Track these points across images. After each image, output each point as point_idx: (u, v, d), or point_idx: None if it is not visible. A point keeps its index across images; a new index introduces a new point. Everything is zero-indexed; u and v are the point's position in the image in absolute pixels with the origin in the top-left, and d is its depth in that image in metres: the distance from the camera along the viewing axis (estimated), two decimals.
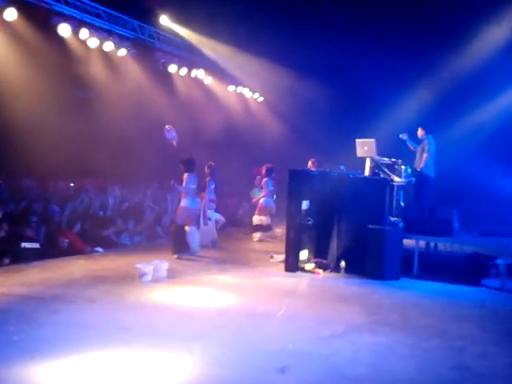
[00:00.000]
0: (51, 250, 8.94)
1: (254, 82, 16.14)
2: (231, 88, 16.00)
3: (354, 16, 13.64)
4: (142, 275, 7.50)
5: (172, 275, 7.85)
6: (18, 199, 10.16)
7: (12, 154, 11.31)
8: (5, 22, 9.55)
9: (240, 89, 16.27)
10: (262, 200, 12.14)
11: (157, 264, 7.71)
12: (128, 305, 6.36)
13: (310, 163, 11.27)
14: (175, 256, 9.13)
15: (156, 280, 7.52)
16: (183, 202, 9.37)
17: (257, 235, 12.01)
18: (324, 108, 15.41)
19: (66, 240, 9.23)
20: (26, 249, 8.47)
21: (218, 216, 11.47)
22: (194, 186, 9.47)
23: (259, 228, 12.11)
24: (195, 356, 4.78)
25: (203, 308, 6.37)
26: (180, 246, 9.26)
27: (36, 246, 8.63)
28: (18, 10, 9.48)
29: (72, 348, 4.81)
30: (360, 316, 6.21)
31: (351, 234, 8.73)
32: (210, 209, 10.73)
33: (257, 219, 12.15)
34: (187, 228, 9.33)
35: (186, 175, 9.26)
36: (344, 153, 10.69)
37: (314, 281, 8.12)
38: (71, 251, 9.18)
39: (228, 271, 8.46)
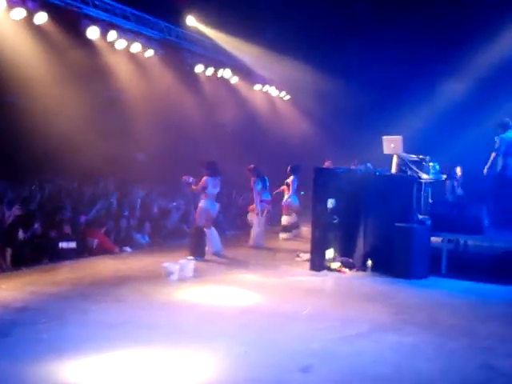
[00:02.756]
0: (83, 250, 9.15)
1: (280, 81, 16.13)
2: (257, 87, 16.02)
3: (380, 12, 13.51)
4: (169, 274, 7.60)
5: (198, 274, 7.93)
6: (52, 200, 10.40)
7: (43, 156, 11.56)
8: (36, 25, 9.78)
9: (266, 88, 16.27)
10: (286, 199, 12.11)
11: (183, 263, 7.80)
12: (154, 304, 6.45)
13: (326, 164, 11.24)
14: (191, 258, 8.58)
15: (182, 279, 7.61)
16: (202, 203, 9.36)
17: (283, 235, 12.01)
18: (352, 105, 15.30)
19: (95, 240, 9.40)
20: (62, 248, 8.70)
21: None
22: (216, 190, 9.43)
23: (285, 227, 12.11)
24: (218, 355, 4.82)
25: (228, 307, 6.41)
26: (198, 248, 9.20)
27: (73, 245, 8.85)
28: (49, 13, 9.70)
29: (99, 346, 4.91)
30: (386, 315, 6.14)
31: (378, 232, 8.63)
32: (263, 209, 10.85)
33: (283, 219, 12.16)
34: (206, 229, 9.34)
35: (205, 178, 9.23)
36: (372, 150, 10.58)
37: (340, 280, 8.08)
38: (100, 251, 9.36)
39: (254, 270, 8.50)
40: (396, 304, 6.69)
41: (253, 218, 11.05)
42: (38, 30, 10.07)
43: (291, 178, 12.07)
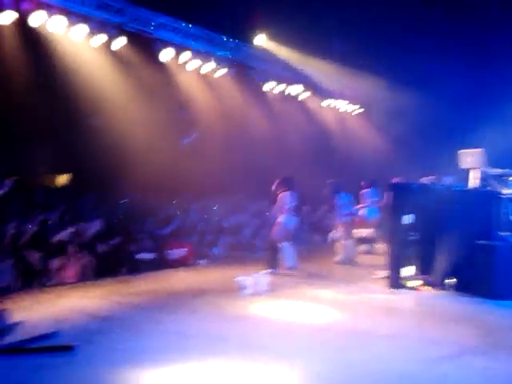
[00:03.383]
0: (160, 262, 9.40)
1: (353, 96, 15.96)
2: (327, 102, 15.91)
3: (459, 23, 13.10)
4: (243, 288, 7.59)
5: (272, 289, 7.85)
6: (131, 214, 10.79)
7: (121, 171, 11.97)
8: (112, 50, 10.26)
9: (337, 103, 16.13)
10: (361, 213, 11.89)
11: (257, 277, 7.77)
12: (228, 317, 6.44)
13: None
14: (269, 271, 9.06)
15: (256, 293, 7.57)
16: (281, 218, 9.39)
17: (361, 247, 11.83)
18: (428, 119, 14.83)
19: (173, 252, 9.62)
20: (140, 260, 8.98)
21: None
22: (294, 204, 9.48)
23: (362, 240, 11.91)
24: (296, 372, 4.70)
25: (303, 323, 6.27)
26: (274, 262, 9.26)
27: (151, 256, 9.13)
28: (126, 39, 10.15)
29: (174, 357, 4.94)
30: (472, 338, 5.76)
31: (458, 249, 8.18)
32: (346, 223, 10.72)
33: (360, 232, 11.96)
34: (281, 244, 9.32)
35: (284, 193, 9.36)
36: (448, 165, 10.17)
37: (420, 299, 7.73)
38: (177, 263, 9.59)
39: (329, 286, 8.31)
40: (482, 326, 6.25)
41: (337, 233, 10.90)
42: (114, 55, 10.55)
43: (367, 190, 11.86)
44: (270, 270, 9.11)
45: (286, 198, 9.35)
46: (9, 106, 8.71)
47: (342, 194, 10.72)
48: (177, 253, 9.73)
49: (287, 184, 9.45)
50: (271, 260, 9.28)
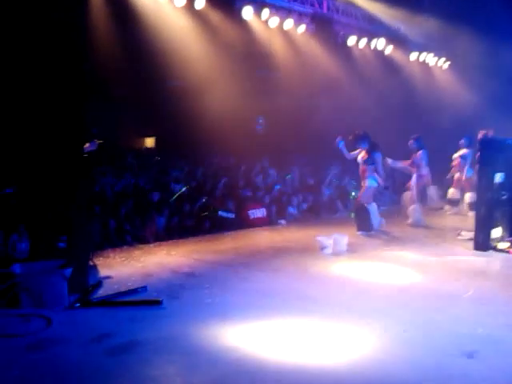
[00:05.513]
0: (241, 221, 9.65)
1: (439, 47, 15.04)
2: (414, 55, 15.12)
3: None
4: (323, 248, 7.65)
5: (352, 249, 7.85)
6: (213, 176, 11.10)
7: (202, 135, 12.23)
8: (195, 10, 10.31)
9: (424, 55, 15.29)
10: (464, 173, 11.02)
11: (337, 238, 7.77)
12: (309, 276, 6.55)
13: (480, 135, 10.17)
14: (359, 233, 9.07)
15: (336, 253, 7.60)
16: (369, 181, 9.11)
17: (449, 209, 11.42)
18: None
19: (254, 212, 9.84)
20: (222, 217, 9.29)
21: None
22: (375, 165, 9.17)
23: (451, 202, 11.45)
24: (375, 331, 4.73)
25: (383, 284, 6.23)
26: (364, 224, 9.14)
27: (231, 215, 9.41)
28: None
29: (258, 314, 5.13)
30: None
31: None
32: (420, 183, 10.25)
33: (450, 192, 11.51)
34: (368, 205, 9.17)
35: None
36: None
37: (509, 261, 7.40)
38: (258, 223, 9.77)
39: (410, 248, 8.15)
40: None
41: (409, 194, 10.36)
42: (196, 15, 10.59)
43: (464, 151, 11.10)
44: (359, 232, 9.06)
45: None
46: (100, 71, 9.06)
47: (423, 152, 10.06)
48: (257, 212, 9.89)
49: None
50: (360, 222, 9.17)
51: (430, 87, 15.59)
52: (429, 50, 15.18)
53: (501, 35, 13.11)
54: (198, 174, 10.96)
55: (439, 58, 15.66)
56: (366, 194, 9.19)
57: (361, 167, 9.23)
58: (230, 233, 9.17)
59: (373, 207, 9.25)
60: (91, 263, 6.49)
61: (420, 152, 9.99)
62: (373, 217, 9.20)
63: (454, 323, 4.94)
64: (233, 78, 12.37)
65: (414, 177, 10.08)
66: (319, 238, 7.76)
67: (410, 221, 10.10)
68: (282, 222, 10.22)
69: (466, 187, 11.03)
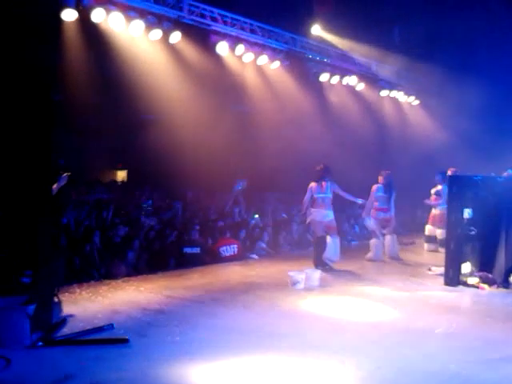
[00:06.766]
0: (209, 256, 9.48)
1: (408, 86, 15.45)
2: (384, 93, 15.50)
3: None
4: (295, 283, 7.56)
5: (324, 284, 7.80)
6: (184, 209, 10.98)
7: (176, 168, 12.17)
8: (169, 44, 10.37)
9: (394, 93, 15.68)
10: (438, 208, 11.06)
11: (309, 273, 7.73)
12: (280, 312, 6.44)
13: (450, 172, 10.33)
14: (318, 268, 8.61)
15: (308, 288, 7.53)
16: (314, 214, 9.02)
17: (428, 246, 11.37)
18: (489, 109, 14.11)
19: (224, 247, 9.70)
20: (187, 253, 9.10)
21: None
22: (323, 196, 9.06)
23: (428, 239, 11.40)
24: (349, 369, 4.64)
25: (356, 320, 6.18)
26: (321, 259, 8.96)
27: (196, 251, 9.23)
28: (182, 32, 10.23)
29: (227, 351, 4.99)
30: None
31: None
32: (376, 217, 10.16)
33: (426, 229, 11.43)
34: (328, 238, 9.02)
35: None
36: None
37: (479, 297, 7.44)
38: (227, 257, 9.64)
39: (382, 282, 8.15)
40: None
41: (371, 226, 10.24)
42: (171, 48, 10.66)
43: (438, 187, 11.08)
44: (317, 268, 8.80)
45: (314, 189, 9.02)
46: (71, 101, 8.97)
47: (384, 186, 10.08)
48: (229, 249, 9.76)
49: (325, 174, 9.08)
50: (316, 256, 9.02)
51: (401, 124, 15.96)
52: (398, 89, 15.57)
53: (470, 74, 13.54)
54: (176, 206, 10.84)
55: (409, 96, 16.08)
56: (317, 227, 9.02)
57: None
58: (201, 267, 8.98)
59: (331, 240, 9.00)
60: (56, 299, 6.23)
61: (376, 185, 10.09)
62: (329, 249, 8.97)
63: (427, 360, 4.90)
64: (206, 111, 12.44)
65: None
66: (291, 273, 7.68)
67: (368, 255, 10.07)
68: (254, 256, 10.11)
69: (439, 223, 11.02)
